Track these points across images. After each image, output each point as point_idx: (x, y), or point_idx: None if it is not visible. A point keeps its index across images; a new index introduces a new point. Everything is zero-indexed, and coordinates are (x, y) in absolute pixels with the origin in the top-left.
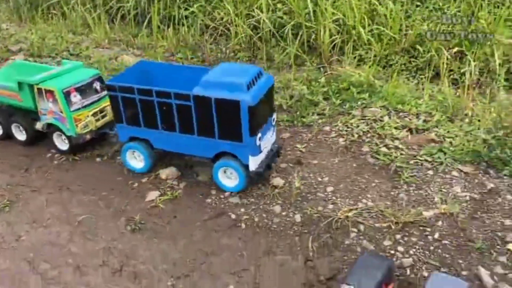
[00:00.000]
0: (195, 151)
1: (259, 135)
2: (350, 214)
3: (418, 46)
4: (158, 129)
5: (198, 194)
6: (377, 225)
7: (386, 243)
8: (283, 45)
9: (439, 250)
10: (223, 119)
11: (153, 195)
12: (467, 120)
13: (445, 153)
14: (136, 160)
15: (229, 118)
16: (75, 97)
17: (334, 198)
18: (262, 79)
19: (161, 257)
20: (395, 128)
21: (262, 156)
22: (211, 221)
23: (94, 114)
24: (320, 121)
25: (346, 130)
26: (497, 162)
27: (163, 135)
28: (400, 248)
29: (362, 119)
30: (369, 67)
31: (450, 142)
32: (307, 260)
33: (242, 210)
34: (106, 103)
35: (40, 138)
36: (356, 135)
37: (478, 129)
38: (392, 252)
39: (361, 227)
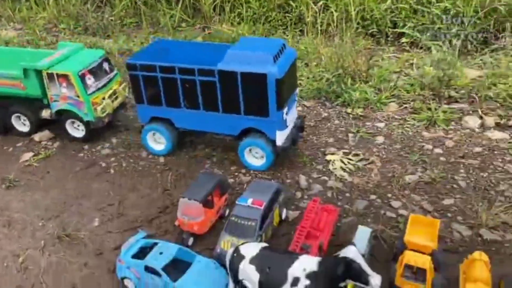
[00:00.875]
0: (220, 129)
1: (286, 109)
2: (207, 150)
3: (291, 2)
4: (181, 107)
5: (71, 150)
6: (225, 156)
7: (232, 168)
8: (167, 9)
9: (273, 167)
10: (249, 94)
11: (27, 156)
12: (315, 63)
13: None
14: (155, 142)
15: (256, 92)
16: (90, 80)
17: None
18: (286, 52)
19: (34, 206)
20: None
21: (287, 131)
22: (82, 171)
23: (109, 97)
24: None
25: None
26: (332, 95)
27: (185, 113)
28: (243, 170)
29: None
30: (240, 24)
31: (300, 83)
32: (165, 190)
33: (112, 159)
34: (116, 85)
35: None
36: None
37: (324, 70)
38: (236, 174)
39: (214, 159)
